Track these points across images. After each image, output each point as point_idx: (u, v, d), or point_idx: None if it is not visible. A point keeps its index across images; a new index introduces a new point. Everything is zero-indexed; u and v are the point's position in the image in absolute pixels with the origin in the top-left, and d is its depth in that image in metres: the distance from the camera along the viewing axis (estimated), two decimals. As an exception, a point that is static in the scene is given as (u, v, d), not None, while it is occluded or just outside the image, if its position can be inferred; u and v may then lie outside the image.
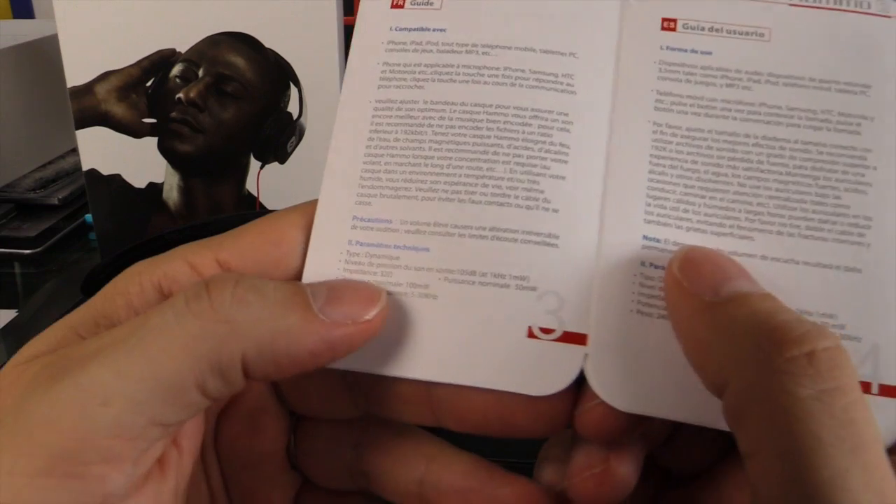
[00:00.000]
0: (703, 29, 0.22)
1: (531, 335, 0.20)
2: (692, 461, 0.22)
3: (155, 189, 0.52)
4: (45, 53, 0.68)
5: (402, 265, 0.21)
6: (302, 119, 0.49)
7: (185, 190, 0.52)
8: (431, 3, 0.24)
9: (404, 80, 0.23)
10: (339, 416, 0.24)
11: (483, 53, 0.23)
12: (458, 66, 0.23)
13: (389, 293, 0.21)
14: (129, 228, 0.53)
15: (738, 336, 0.17)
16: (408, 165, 0.22)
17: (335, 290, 0.20)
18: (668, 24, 0.23)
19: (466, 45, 0.23)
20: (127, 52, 0.49)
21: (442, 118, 0.22)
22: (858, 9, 0.22)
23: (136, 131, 0.51)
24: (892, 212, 0.20)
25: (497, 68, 0.23)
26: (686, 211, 0.21)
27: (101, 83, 0.50)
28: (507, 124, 0.22)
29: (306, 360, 0.19)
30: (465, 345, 0.20)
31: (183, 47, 0.49)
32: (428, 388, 0.21)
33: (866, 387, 0.19)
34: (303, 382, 0.24)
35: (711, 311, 0.18)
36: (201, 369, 0.18)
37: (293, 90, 0.49)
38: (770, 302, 0.17)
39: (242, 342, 0.18)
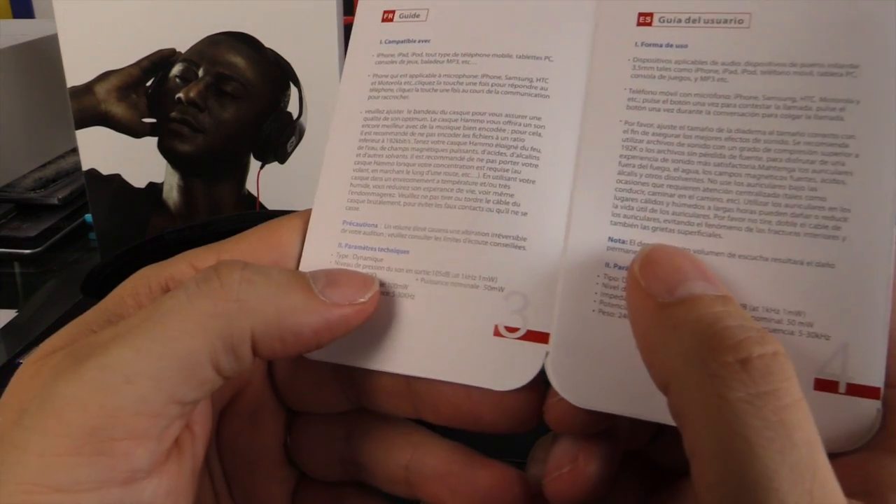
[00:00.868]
0: (679, 21, 0.22)
1: (497, 333, 0.21)
2: (682, 458, 0.23)
3: (155, 189, 0.52)
4: (45, 53, 0.68)
5: (385, 266, 0.23)
6: (302, 119, 0.49)
7: (185, 190, 0.52)
8: (418, 16, 0.25)
9: (391, 90, 0.24)
10: (331, 411, 0.25)
11: (463, 62, 0.24)
12: (439, 76, 0.24)
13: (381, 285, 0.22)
14: (129, 228, 0.53)
15: (682, 338, 0.17)
16: (392, 172, 0.23)
17: (333, 275, 0.21)
18: (645, 19, 0.23)
19: (448, 54, 0.24)
20: (127, 52, 0.49)
21: (423, 126, 0.23)
22: None
23: (136, 131, 0.51)
24: (875, 200, 0.19)
25: (475, 76, 0.23)
26: (654, 211, 0.21)
27: (101, 83, 0.50)
28: (482, 130, 0.23)
29: (309, 337, 0.20)
30: (437, 341, 0.22)
31: (183, 47, 0.49)
32: (408, 381, 0.22)
33: (832, 386, 0.19)
34: (297, 378, 0.25)
35: (662, 312, 0.18)
36: (215, 346, 0.19)
37: (293, 90, 0.49)
38: (721, 306, 0.18)
39: (251, 319, 0.19)
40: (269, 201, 0.52)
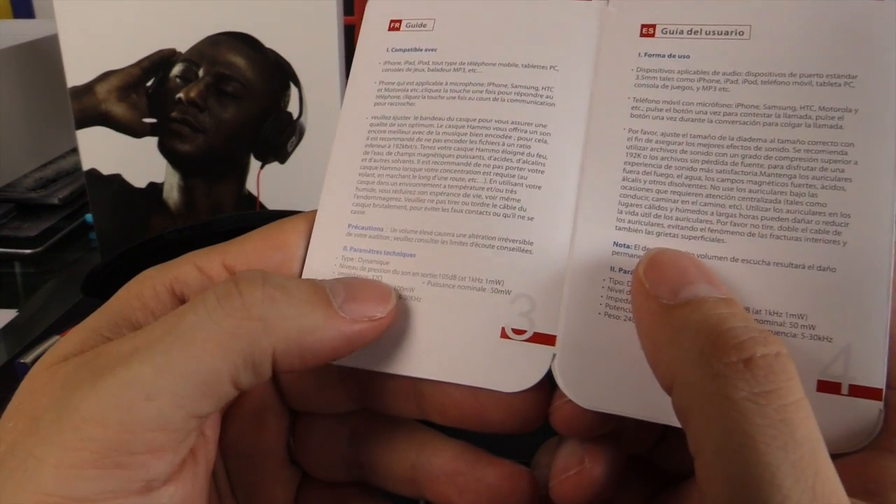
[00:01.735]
0: (682, 32, 0.23)
1: (504, 335, 0.22)
2: (685, 461, 0.23)
3: (155, 189, 0.52)
4: (45, 53, 0.68)
5: (391, 270, 0.23)
6: (302, 119, 0.50)
7: (186, 190, 0.52)
8: (424, 25, 0.25)
9: (398, 97, 0.25)
10: (334, 411, 0.25)
11: (469, 70, 0.24)
12: (446, 84, 0.24)
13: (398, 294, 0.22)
14: (129, 228, 0.53)
15: (686, 339, 0.18)
16: (398, 177, 0.24)
17: (352, 289, 0.21)
18: (647, 31, 0.23)
19: (454, 63, 0.24)
20: (127, 52, 0.49)
21: (430, 133, 0.24)
22: None
23: (136, 131, 0.51)
24: (874, 206, 0.20)
25: (482, 84, 0.24)
26: (658, 216, 0.21)
27: (102, 83, 0.50)
28: (488, 137, 0.23)
29: (328, 354, 0.20)
30: (444, 344, 0.22)
31: (183, 47, 0.49)
32: (413, 383, 0.22)
33: (835, 387, 0.19)
34: (302, 380, 0.24)
35: (667, 314, 0.18)
36: (236, 364, 0.19)
37: (293, 90, 0.49)
38: (724, 308, 0.18)
39: (273, 338, 0.19)
40: (270, 201, 0.52)
